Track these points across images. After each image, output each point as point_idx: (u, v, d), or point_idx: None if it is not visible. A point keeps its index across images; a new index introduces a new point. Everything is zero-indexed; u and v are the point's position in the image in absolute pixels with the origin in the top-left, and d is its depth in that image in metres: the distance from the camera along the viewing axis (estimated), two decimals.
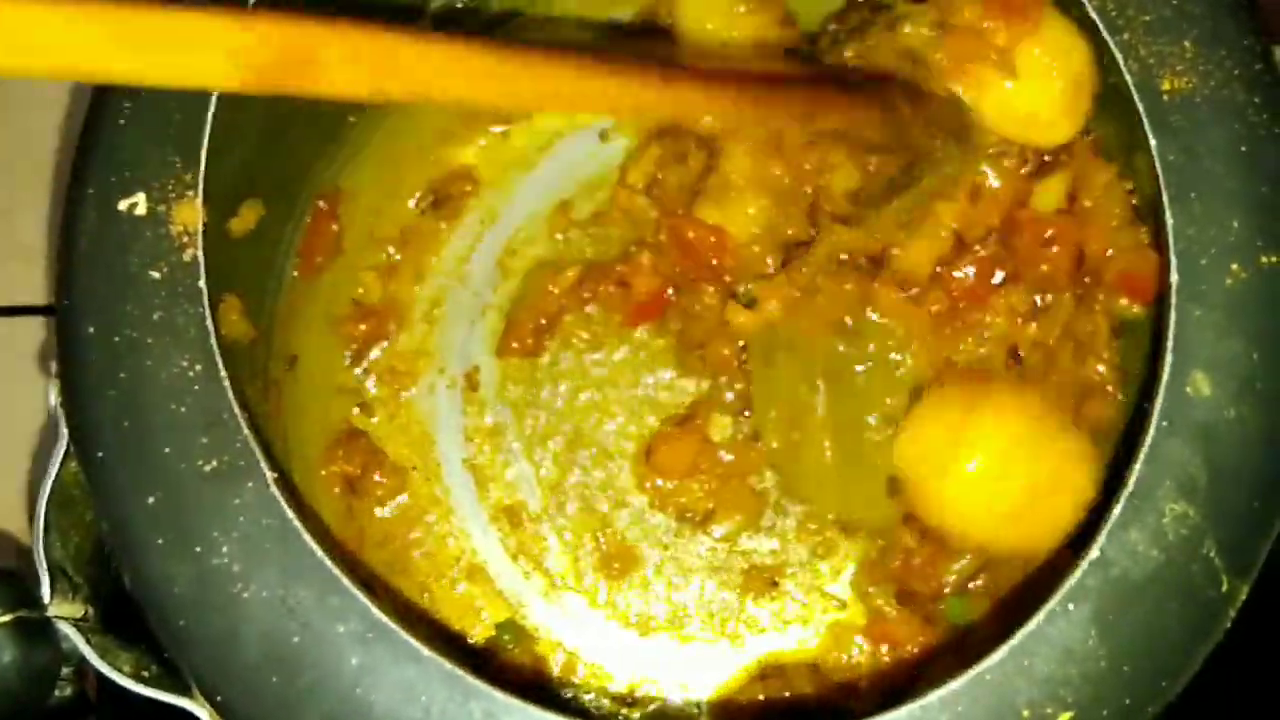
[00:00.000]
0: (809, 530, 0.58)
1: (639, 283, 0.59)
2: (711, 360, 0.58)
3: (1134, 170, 0.48)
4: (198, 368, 0.45)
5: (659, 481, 0.58)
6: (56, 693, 0.49)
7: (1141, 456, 0.44)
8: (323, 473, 0.58)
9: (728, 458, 0.57)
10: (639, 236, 0.59)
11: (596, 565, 0.58)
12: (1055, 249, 0.54)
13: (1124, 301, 0.52)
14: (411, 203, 0.62)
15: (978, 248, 0.54)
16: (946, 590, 0.54)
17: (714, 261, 0.56)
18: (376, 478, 0.59)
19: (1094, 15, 0.48)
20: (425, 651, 0.42)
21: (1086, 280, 0.54)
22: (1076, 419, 0.52)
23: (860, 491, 0.55)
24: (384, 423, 0.60)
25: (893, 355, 0.54)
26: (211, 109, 0.47)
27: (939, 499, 0.52)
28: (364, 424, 0.60)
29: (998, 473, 0.50)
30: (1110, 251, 0.52)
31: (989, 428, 0.50)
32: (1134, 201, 0.53)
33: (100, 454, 0.45)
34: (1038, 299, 0.54)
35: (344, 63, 0.37)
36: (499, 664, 0.56)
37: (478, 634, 0.57)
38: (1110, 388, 0.53)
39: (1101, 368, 0.53)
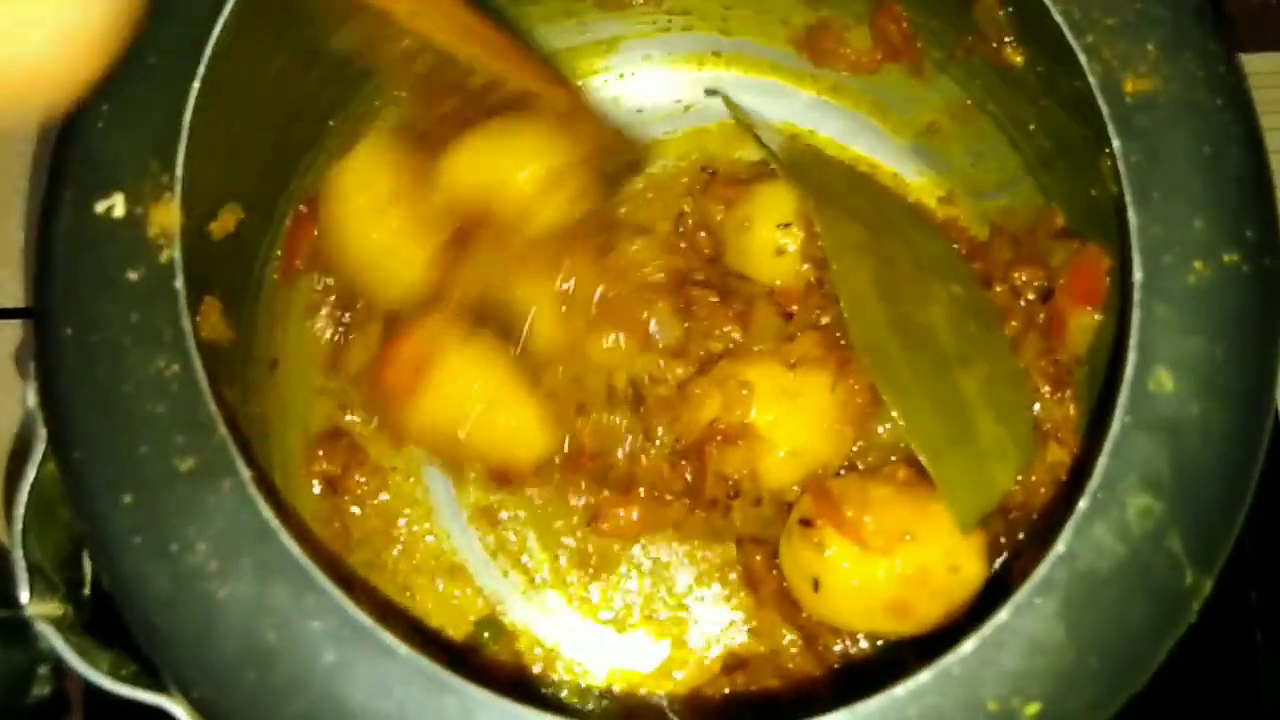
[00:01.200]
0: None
1: None
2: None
3: (1097, 171, 0.48)
4: (175, 368, 0.45)
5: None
6: (35, 691, 0.49)
7: (1105, 451, 0.44)
8: (304, 472, 0.59)
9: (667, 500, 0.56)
10: None
11: (574, 563, 0.58)
12: (1022, 278, 0.53)
13: (1078, 319, 0.52)
14: None
15: None
16: (863, 644, 0.53)
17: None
18: (358, 477, 0.59)
19: (1058, 18, 0.48)
20: (400, 648, 0.42)
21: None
22: None
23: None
24: (364, 423, 0.60)
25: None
26: (189, 111, 0.47)
27: (811, 608, 0.52)
28: (345, 424, 0.60)
29: (865, 579, 0.49)
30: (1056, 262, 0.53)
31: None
32: (1060, 221, 0.53)
33: (77, 454, 0.45)
34: None
35: None
36: (479, 661, 0.56)
37: (458, 631, 0.57)
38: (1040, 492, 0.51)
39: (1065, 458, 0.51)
